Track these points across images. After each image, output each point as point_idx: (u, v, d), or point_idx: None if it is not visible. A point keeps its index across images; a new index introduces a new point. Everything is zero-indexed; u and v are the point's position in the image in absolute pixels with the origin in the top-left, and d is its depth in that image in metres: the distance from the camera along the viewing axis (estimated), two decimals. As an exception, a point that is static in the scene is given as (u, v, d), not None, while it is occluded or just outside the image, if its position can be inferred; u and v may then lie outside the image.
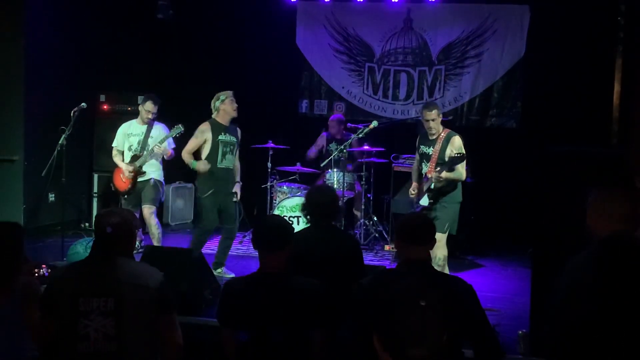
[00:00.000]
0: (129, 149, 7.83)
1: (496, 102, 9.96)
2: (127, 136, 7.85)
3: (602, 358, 3.14)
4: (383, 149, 8.92)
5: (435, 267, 6.56)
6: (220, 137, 7.03)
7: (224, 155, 7.04)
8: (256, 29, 10.44)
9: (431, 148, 6.70)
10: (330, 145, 9.34)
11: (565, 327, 3.29)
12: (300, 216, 8.14)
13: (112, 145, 7.95)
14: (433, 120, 6.68)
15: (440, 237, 6.58)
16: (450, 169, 6.47)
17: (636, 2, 7.85)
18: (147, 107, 7.76)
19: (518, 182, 8.90)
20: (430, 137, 6.75)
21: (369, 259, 8.01)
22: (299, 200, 8.36)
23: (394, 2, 10.00)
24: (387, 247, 8.56)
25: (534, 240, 5.42)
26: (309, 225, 4.78)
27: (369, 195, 8.97)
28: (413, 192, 6.98)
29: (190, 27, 10.57)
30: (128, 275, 3.52)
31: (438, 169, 6.51)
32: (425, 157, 6.76)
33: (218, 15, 10.47)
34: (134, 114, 8.25)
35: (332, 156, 8.45)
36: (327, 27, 10.45)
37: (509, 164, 9.30)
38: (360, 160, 9.01)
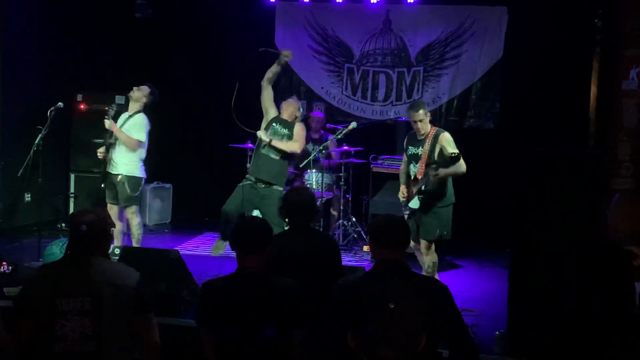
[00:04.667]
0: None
1: (474, 103, 9.99)
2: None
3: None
4: (362, 150, 8.92)
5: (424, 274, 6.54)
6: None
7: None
8: (235, 29, 10.39)
9: (420, 148, 6.48)
10: (307, 145, 9.31)
11: None
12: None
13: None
14: (420, 121, 6.45)
15: (429, 245, 6.48)
16: (446, 165, 6.32)
17: (613, 5, 7.91)
18: (144, 90, 7.59)
19: (496, 182, 8.92)
20: (419, 137, 6.55)
21: (347, 259, 8.01)
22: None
23: (373, 3, 10.01)
24: (365, 248, 8.54)
25: (511, 241, 5.44)
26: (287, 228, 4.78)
27: (347, 195, 8.97)
28: (403, 196, 6.74)
29: (169, 26, 10.53)
30: (105, 274, 3.51)
31: (434, 166, 6.34)
32: (414, 158, 6.56)
33: (197, 14, 10.44)
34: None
35: (310, 157, 8.40)
36: (307, 28, 10.43)
37: (487, 164, 9.32)
38: (339, 160, 9.00)
